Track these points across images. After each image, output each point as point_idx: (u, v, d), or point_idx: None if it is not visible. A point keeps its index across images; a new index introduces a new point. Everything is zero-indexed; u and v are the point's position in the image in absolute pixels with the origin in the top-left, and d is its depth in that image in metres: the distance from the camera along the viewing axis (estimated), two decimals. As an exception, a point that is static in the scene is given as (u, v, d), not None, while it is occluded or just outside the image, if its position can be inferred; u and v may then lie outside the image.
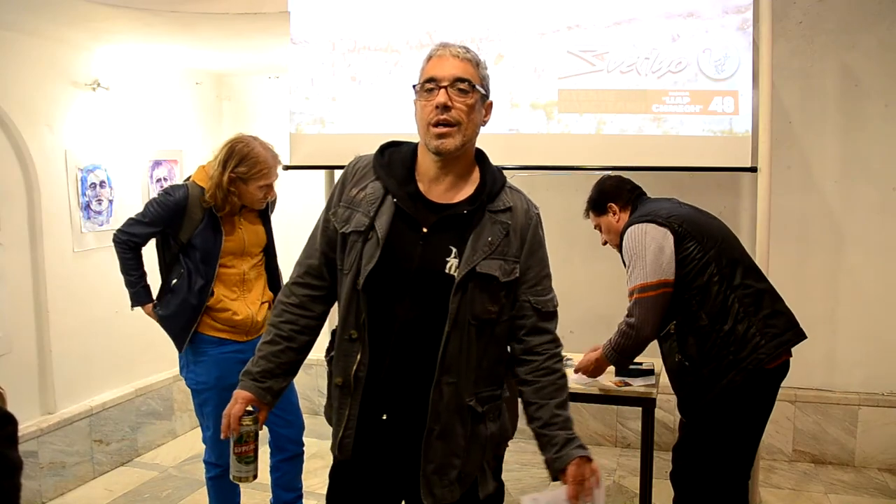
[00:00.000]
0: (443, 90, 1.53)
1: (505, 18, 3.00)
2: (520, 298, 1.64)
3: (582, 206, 2.70)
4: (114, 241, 2.58)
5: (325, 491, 1.80)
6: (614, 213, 2.53)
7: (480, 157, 1.68)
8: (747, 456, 2.35)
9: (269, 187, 2.57)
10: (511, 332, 1.66)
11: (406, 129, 3.08)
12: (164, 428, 4.08)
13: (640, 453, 2.63)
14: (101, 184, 3.69)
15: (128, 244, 2.57)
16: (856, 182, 3.52)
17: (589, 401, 2.66)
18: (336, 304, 1.68)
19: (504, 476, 3.53)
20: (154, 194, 4.02)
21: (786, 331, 2.26)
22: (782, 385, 2.32)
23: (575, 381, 2.65)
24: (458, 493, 1.61)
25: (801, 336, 2.29)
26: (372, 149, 3.22)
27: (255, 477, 1.69)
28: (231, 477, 1.69)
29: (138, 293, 2.63)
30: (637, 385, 2.63)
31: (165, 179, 4.10)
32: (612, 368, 2.55)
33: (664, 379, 2.64)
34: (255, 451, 1.67)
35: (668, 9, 2.84)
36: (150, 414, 3.96)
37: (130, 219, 2.57)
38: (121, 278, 2.63)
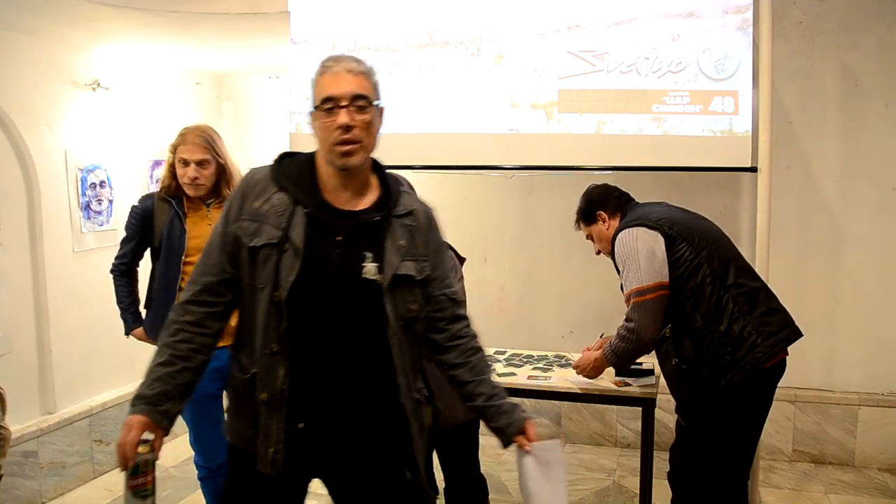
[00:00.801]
0: (343, 110, 1.55)
1: (505, 18, 3.00)
2: (434, 294, 1.71)
3: (582, 206, 2.70)
4: (110, 271, 2.70)
5: (324, 491, 1.80)
6: (604, 221, 2.53)
7: (374, 163, 1.71)
8: (747, 456, 2.35)
9: (187, 163, 2.49)
10: (430, 325, 1.73)
11: (406, 128, 3.10)
12: (164, 428, 4.08)
13: (640, 453, 2.62)
14: (101, 184, 3.69)
15: (118, 269, 2.67)
16: (856, 182, 3.52)
17: (589, 401, 2.67)
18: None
19: (504, 476, 3.54)
20: (154, 194, 4.04)
21: (782, 328, 2.26)
22: (782, 385, 2.32)
23: (574, 382, 2.65)
24: (404, 478, 1.72)
25: (797, 334, 2.29)
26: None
27: None
28: None
29: (126, 320, 2.70)
30: (637, 385, 2.63)
31: (165, 179, 4.10)
32: (610, 368, 2.55)
33: (664, 379, 2.64)
34: (153, 482, 1.58)
35: (668, 9, 2.84)
36: (149, 414, 3.95)
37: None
38: None
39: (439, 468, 2.54)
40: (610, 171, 3.17)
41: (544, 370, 2.87)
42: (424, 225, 1.71)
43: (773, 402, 2.34)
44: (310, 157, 1.67)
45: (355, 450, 1.66)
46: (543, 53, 2.96)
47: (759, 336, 2.20)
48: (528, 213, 3.99)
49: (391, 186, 1.68)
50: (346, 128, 1.54)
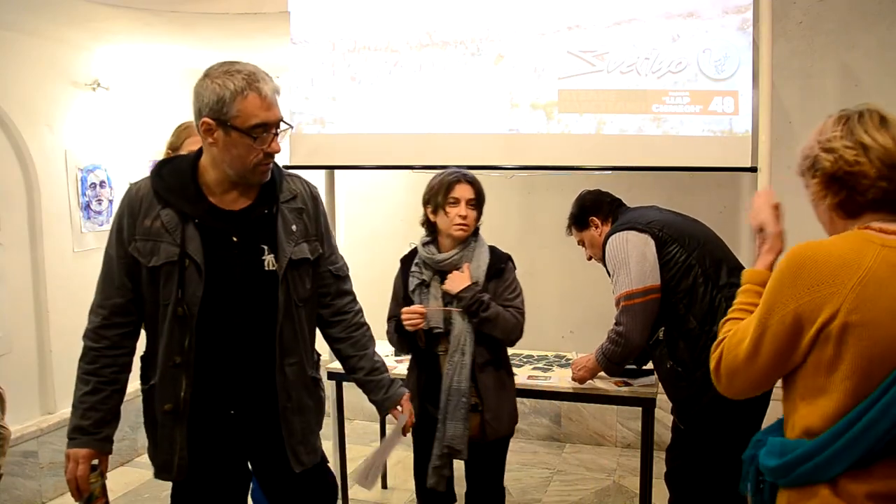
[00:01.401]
0: (274, 137, 1.59)
1: (505, 18, 2.99)
2: (321, 270, 1.79)
3: (582, 206, 2.69)
4: None
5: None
6: (596, 227, 2.54)
7: None
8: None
9: None
10: (317, 300, 1.83)
11: (406, 128, 3.10)
12: (164, 428, 4.08)
13: (640, 453, 2.63)
14: (101, 184, 3.69)
15: None
16: (856, 182, 3.51)
17: (589, 401, 2.67)
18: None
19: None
20: (154, 194, 4.04)
21: None
22: (780, 385, 2.31)
23: (573, 383, 2.65)
24: (319, 455, 1.84)
25: None
26: (372, 148, 3.20)
27: None
28: None
29: None
30: (637, 385, 2.63)
31: (165, 179, 4.11)
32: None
33: (660, 381, 2.64)
34: (107, 500, 1.74)
35: (668, 9, 2.84)
36: (149, 414, 3.96)
37: None
38: None
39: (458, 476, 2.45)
40: (610, 171, 3.16)
41: (544, 370, 2.88)
42: (311, 206, 1.78)
43: (770, 402, 2.33)
44: (191, 164, 1.66)
45: (264, 432, 1.74)
46: (543, 53, 2.96)
47: None
48: (528, 213, 3.99)
49: (274, 175, 1.70)
50: (273, 153, 1.60)
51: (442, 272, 2.30)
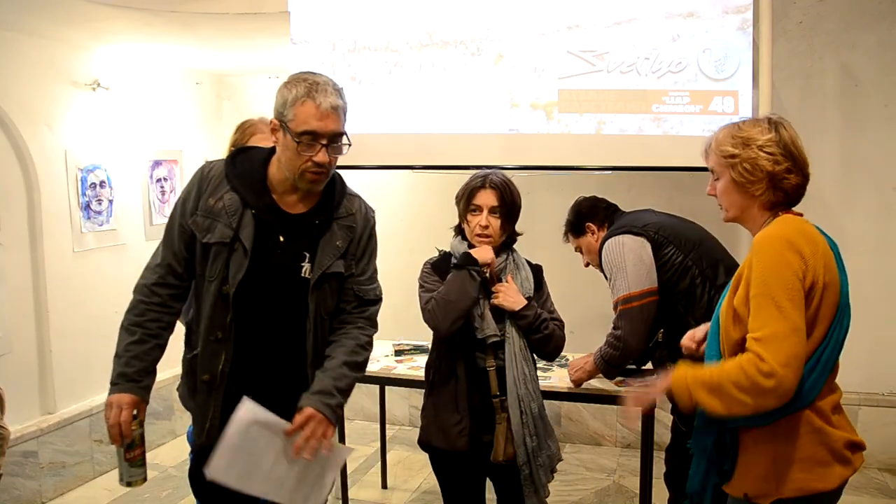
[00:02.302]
0: (324, 149, 1.64)
1: (505, 18, 3.00)
2: (347, 286, 1.82)
3: (582, 206, 2.69)
4: None
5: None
6: (593, 233, 2.54)
7: None
8: None
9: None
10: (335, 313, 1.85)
11: (406, 128, 3.10)
12: (164, 428, 4.09)
13: (640, 453, 2.62)
14: (101, 184, 3.69)
15: None
16: (856, 182, 3.52)
17: (589, 401, 2.66)
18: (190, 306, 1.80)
19: (504, 476, 3.52)
20: (154, 194, 4.05)
21: None
22: None
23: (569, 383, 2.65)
24: None
25: None
26: (373, 148, 3.21)
27: (145, 479, 1.75)
28: (124, 483, 1.73)
29: None
30: (637, 385, 2.62)
31: (165, 179, 4.11)
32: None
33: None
34: (144, 453, 1.75)
35: (668, 9, 2.84)
36: (149, 414, 3.90)
37: None
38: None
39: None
40: (610, 171, 3.17)
41: (544, 370, 2.87)
42: (362, 227, 1.84)
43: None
44: (264, 158, 1.75)
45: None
46: (543, 53, 2.96)
47: None
48: (528, 213, 3.96)
49: (336, 189, 1.79)
50: (322, 164, 1.65)
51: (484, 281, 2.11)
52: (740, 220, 1.72)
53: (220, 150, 4.52)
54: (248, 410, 1.61)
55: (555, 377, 2.78)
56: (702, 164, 2.88)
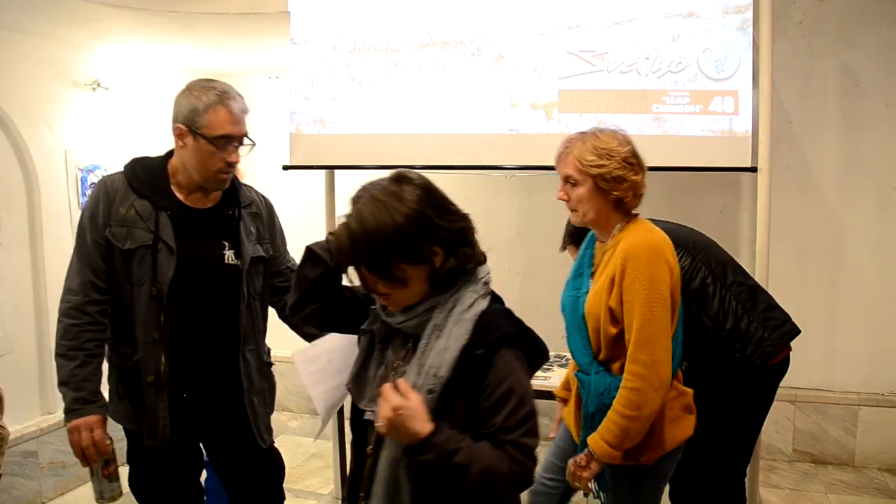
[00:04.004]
0: (236, 150, 1.82)
1: (505, 18, 2.99)
2: (280, 267, 2.05)
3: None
4: None
5: (325, 491, 1.82)
6: None
7: None
8: (749, 452, 2.39)
9: None
10: (275, 292, 2.04)
11: (406, 128, 3.09)
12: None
13: (640, 453, 2.62)
14: (101, 184, 3.68)
15: None
16: (856, 182, 3.52)
17: (589, 401, 2.66)
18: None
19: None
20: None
21: (785, 322, 2.30)
22: (782, 385, 2.33)
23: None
24: (272, 434, 2.03)
25: (797, 329, 2.31)
26: (372, 148, 3.21)
27: (121, 493, 1.84)
28: (104, 498, 1.81)
29: None
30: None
31: (165, 179, 4.10)
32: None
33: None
34: (117, 468, 1.87)
35: (668, 9, 2.84)
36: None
37: None
38: None
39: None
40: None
41: (544, 370, 2.87)
42: (266, 212, 2.03)
43: (773, 401, 2.35)
44: (162, 164, 1.90)
45: (224, 414, 1.90)
46: (543, 53, 2.96)
47: (766, 330, 2.23)
48: (528, 213, 3.99)
49: (235, 183, 1.94)
50: (234, 163, 1.81)
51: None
52: (596, 223, 1.87)
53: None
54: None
55: (555, 377, 2.78)
56: (702, 164, 2.90)
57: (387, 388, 1.18)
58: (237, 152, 1.82)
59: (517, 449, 1.20)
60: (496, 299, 1.35)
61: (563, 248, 2.66)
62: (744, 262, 2.49)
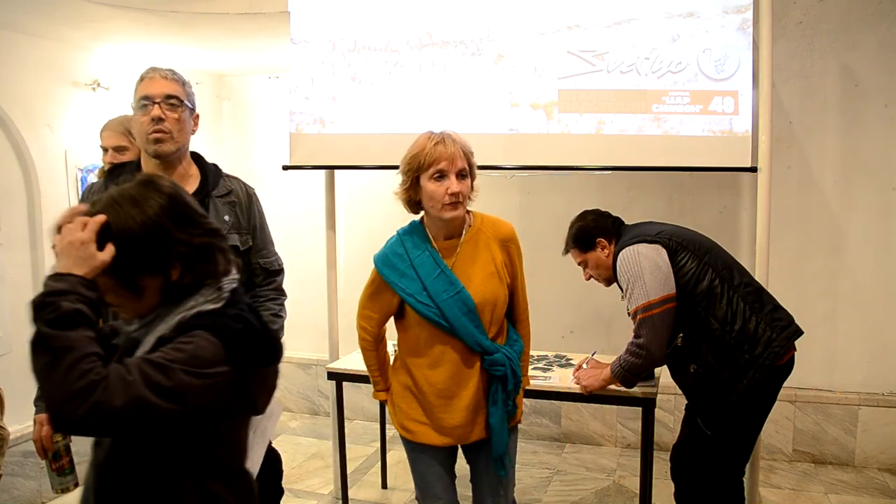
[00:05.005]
0: (156, 105, 1.89)
1: (505, 18, 2.99)
2: (251, 262, 2.02)
3: (583, 206, 2.69)
4: None
5: (325, 491, 1.82)
6: (603, 248, 2.53)
7: (197, 157, 2.06)
8: (749, 451, 2.41)
9: (105, 151, 2.58)
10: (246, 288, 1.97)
11: (406, 128, 3.09)
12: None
13: (640, 453, 2.62)
14: (101, 184, 3.69)
15: None
16: (856, 182, 3.52)
17: (589, 401, 2.66)
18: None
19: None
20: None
21: (790, 323, 2.31)
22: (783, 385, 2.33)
23: (573, 384, 2.65)
24: None
25: (800, 329, 2.32)
26: (372, 148, 3.21)
27: (76, 484, 1.88)
28: (57, 491, 1.87)
29: None
30: (637, 385, 2.62)
31: (165, 179, 4.10)
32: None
33: (664, 379, 2.64)
34: (71, 461, 1.90)
35: (668, 9, 2.84)
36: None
37: None
38: None
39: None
40: (610, 171, 3.17)
41: (544, 370, 2.88)
42: (245, 201, 2.03)
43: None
44: (136, 163, 2.00)
45: None
46: (543, 53, 2.96)
47: (774, 331, 2.23)
48: (528, 213, 3.99)
49: (209, 173, 2.00)
50: (158, 120, 1.87)
51: None
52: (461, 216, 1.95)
53: (219, 151, 4.52)
54: None
55: (555, 377, 2.78)
56: (702, 164, 2.90)
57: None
58: (158, 108, 1.88)
59: (125, 366, 1.12)
60: (234, 306, 1.26)
61: (566, 253, 2.66)
62: (744, 262, 2.49)
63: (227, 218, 1.97)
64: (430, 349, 1.96)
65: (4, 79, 3.19)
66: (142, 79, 1.95)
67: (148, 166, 1.94)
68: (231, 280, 1.28)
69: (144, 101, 1.89)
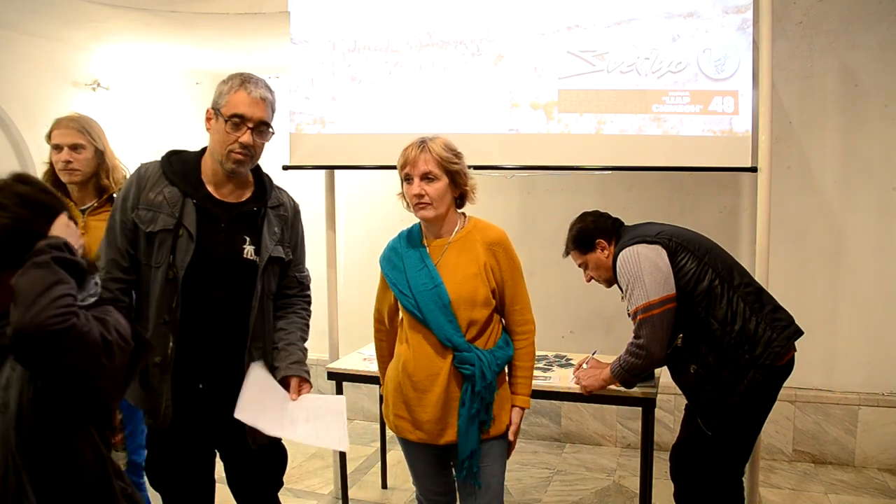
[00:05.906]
0: (249, 131, 1.86)
1: (505, 18, 3.00)
2: (289, 275, 2.05)
3: (582, 206, 2.69)
4: None
5: (325, 491, 1.82)
6: (603, 249, 2.53)
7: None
8: (749, 451, 2.41)
9: (59, 148, 2.40)
10: (279, 296, 2.05)
11: (406, 129, 3.09)
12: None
13: (640, 453, 2.63)
14: (101, 184, 3.68)
15: None
16: (856, 182, 3.52)
17: (589, 401, 2.66)
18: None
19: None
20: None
21: (791, 323, 2.30)
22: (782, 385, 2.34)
23: (573, 384, 2.65)
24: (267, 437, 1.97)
25: (800, 329, 2.32)
26: (372, 148, 3.22)
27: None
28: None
29: None
30: (637, 385, 2.62)
31: (165, 179, 4.11)
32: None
33: (664, 379, 2.64)
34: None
35: (668, 9, 2.84)
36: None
37: None
38: None
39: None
40: (610, 171, 3.17)
41: (544, 370, 2.88)
42: (292, 216, 2.05)
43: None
44: (196, 157, 1.96)
45: (229, 405, 1.86)
46: (543, 53, 2.96)
47: (774, 331, 2.23)
48: (528, 213, 3.99)
49: (265, 182, 2.01)
50: (247, 145, 1.86)
51: None
52: (442, 217, 2.00)
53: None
54: (261, 368, 1.88)
55: (555, 377, 2.78)
56: (702, 164, 2.90)
57: None
58: (249, 134, 1.86)
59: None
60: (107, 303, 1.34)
61: (567, 255, 2.66)
62: (744, 262, 2.49)
63: (276, 230, 1.98)
64: (410, 341, 2.03)
65: (4, 79, 3.19)
66: (240, 86, 1.87)
67: (212, 167, 1.92)
68: (93, 281, 1.31)
69: (237, 120, 1.86)
